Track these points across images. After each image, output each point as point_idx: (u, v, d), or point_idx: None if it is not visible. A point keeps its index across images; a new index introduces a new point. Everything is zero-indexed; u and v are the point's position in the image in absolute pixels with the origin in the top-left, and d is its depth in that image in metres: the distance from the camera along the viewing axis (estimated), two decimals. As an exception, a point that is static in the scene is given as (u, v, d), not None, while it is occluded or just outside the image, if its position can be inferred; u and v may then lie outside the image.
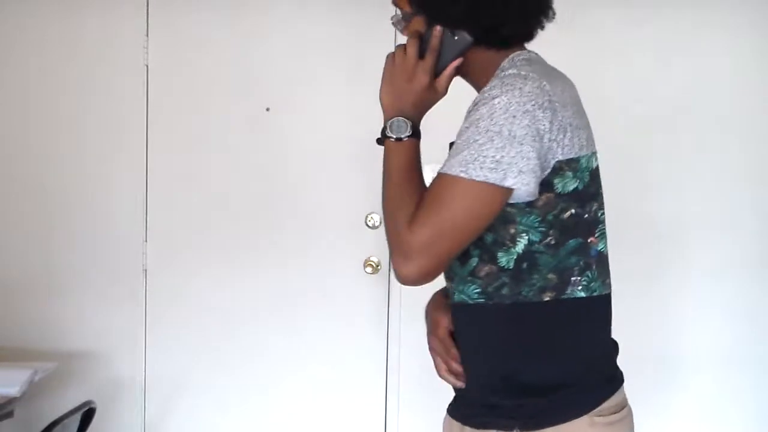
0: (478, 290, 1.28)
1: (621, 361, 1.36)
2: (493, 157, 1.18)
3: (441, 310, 1.41)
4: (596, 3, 2.75)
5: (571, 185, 1.25)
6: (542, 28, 1.34)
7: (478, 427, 1.33)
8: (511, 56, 1.31)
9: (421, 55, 1.31)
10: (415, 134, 1.32)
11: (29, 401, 2.44)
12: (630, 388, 1.35)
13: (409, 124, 1.31)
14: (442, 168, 1.24)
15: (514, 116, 1.19)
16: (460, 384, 1.38)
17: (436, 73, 1.32)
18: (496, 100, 1.20)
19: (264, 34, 2.91)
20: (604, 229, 1.31)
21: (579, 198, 1.26)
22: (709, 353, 2.86)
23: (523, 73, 1.23)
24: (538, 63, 1.30)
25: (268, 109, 2.91)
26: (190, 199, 2.94)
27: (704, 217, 2.84)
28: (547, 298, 1.26)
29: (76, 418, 2.07)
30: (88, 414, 2.11)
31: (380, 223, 2.87)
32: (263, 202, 2.93)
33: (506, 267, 1.25)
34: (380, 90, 1.34)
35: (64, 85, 2.93)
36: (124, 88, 2.91)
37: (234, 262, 2.93)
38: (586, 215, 1.27)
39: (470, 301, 1.29)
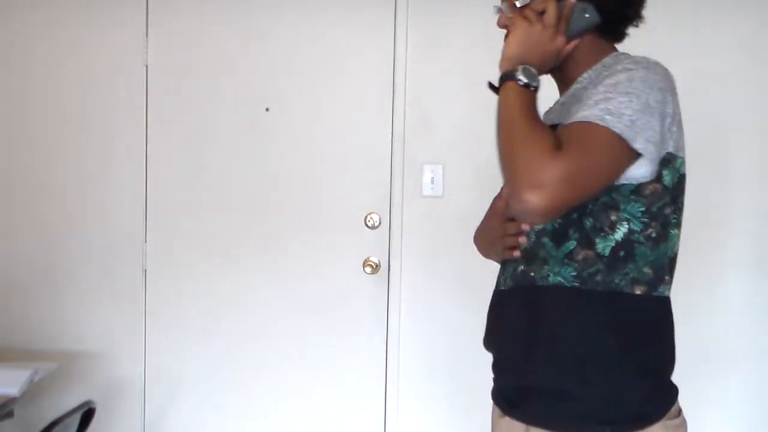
0: (573, 273, 1.27)
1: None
2: (630, 116, 1.19)
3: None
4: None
5: (672, 181, 1.28)
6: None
7: (556, 429, 1.29)
8: (614, 54, 1.37)
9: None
10: (537, 88, 1.30)
11: (29, 401, 2.44)
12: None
13: (537, 76, 1.30)
14: (573, 118, 1.22)
15: (651, 88, 1.22)
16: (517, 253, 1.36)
17: None
18: (635, 72, 1.24)
19: (264, 34, 2.91)
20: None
21: (673, 195, 1.29)
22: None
23: (652, 60, 1.28)
24: None
25: (268, 109, 2.91)
26: (190, 199, 2.94)
27: (708, 219, 2.84)
28: (639, 292, 1.27)
29: (76, 418, 2.07)
30: (88, 414, 2.11)
31: (380, 223, 2.88)
32: (263, 202, 2.93)
33: (602, 254, 1.26)
34: (508, 41, 1.34)
35: (64, 84, 2.93)
36: (124, 88, 2.91)
37: (233, 263, 2.93)
38: (676, 215, 1.30)
39: (567, 284, 1.27)
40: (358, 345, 2.92)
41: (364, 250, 2.90)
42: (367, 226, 2.89)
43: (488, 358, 1.49)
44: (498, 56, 1.40)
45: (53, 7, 2.92)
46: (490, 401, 1.47)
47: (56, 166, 2.94)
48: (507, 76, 1.29)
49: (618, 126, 1.18)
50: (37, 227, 2.94)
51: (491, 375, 1.47)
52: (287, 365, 2.93)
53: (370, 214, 2.89)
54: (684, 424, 1.31)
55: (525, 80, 1.27)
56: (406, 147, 2.87)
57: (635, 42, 1.42)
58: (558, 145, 1.18)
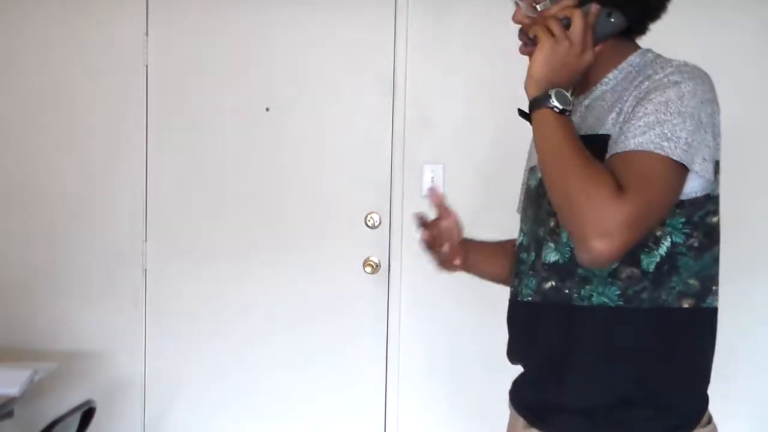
0: (618, 292, 1.22)
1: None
2: (685, 139, 1.14)
3: None
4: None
5: (718, 190, 1.24)
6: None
7: None
8: (640, 51, 1.31)
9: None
10: (571, 111, 1.23)
11: (29, 401, 2.44)
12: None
13: (569, 98, 1.22)
14: (626, 146, 1.16)
15: (701, 102, 1.17)
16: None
17: None
18: (683, 85, 1.17)
19: (264, 33, 2.91)
20: None
21: (717, 204, 1.25)
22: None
23: (691, 64, 1.22)
24: None
25: (268, 109, 2.91)
26: (190, 199, 2.94)
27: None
28: (686, 305, 1.22)
29: (76, 418, 2.07)
30: (88, 413, 2.11)
31: (380, 223, 2.88)
32: (263, 202, 2.93)
33: (647, 270, 1.21)
34: (533, 59, 1.23)
35: (64, 85, 2.93)
36: (124, 88, 2.91)
37: (234, 262, 2.93)
38: (719, 222, 1.25)
39: (612, 304, 1.23)
40: (358, 345, 2.91)
41: (364, 250, 2.90)
42: (367, 226, 2.89)
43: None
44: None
45: (53, 7, 2.92)
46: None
47: (56, 165, 2.93)
48: (539, 102, 1.22)
49: (677, 153, 1.14)
50: (37, 227, 2.94)
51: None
52: (287, 364, 2.93)
53: (370, 214, 2.89)
54: (715, 430, 1.29)
55: (560, 106, 1.20)
56: (406, 147, 2.87)
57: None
58: (617, 183, 1.12)
